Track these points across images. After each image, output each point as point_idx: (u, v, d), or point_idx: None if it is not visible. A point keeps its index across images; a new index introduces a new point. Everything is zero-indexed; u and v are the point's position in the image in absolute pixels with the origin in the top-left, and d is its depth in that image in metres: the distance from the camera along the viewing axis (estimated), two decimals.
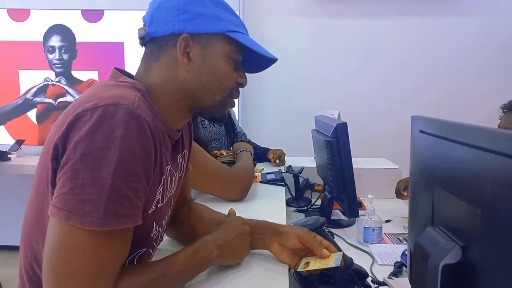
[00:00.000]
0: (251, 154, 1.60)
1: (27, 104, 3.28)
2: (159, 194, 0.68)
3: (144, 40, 0.72)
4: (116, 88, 0.62)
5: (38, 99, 3.29)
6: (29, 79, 3.26)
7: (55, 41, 3.22)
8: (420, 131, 0.62)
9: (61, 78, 3.26)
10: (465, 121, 0.50)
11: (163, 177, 0.68)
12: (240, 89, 0.78)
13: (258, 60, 0.78)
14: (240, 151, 1.59)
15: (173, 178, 0.74)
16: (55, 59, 3.24)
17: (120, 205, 0.55)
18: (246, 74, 0.79)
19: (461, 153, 0.47)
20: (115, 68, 0.72)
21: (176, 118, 0.74)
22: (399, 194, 1.60)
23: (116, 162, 0.54)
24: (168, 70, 0.70)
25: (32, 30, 3.19)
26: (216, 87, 0.72)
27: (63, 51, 3.22)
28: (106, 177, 0.53)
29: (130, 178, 0.56)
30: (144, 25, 0.72)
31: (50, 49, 3.23)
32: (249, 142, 2.14)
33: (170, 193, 0.74)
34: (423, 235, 0.51)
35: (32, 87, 3.27)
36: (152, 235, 0.72)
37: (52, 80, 3.26)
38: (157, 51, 0.71)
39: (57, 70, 3.25)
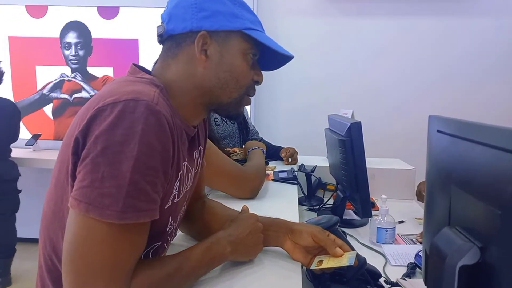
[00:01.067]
0: (263, 152, 1.60)
1: (44, 99, 3.34)
2: (176, 189, 0.69)
3: (162, 37, 0.73)
4: (136, 84, 0.63)
5: (54, 94, 3.34)
6: (46, 75, 3.32)
7: (71, 37, 3.27)
8: (437, 131, 0.61)
9: (76, 74, 3.31)
10: (480, 121, 0.49)
11: (180, 173, 0.69)
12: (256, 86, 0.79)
13: (274, 58, 0.78)
14: (252, 149, 1.59)
15: (189, 174, 0.75)
16: (71, 55, 3.29)
17: (138, 199, 0.56)
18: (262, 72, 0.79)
19: (480, 153, 0.46)
20: (133, 64, 0.73)
21: (193, 114, 0.74)
22: (419, 196, 1.58)
23: (135, 156, 0.55)
24: (186, 67, 0.71)
25: (49, 27, 3.25)
26: (233, 84, 0.73)
27: (79, 47, 3.27)
28: (125, 171, 0.54)
29: (149, 172, 0.57)
30: (162, 22, 0.73)
31: (66, 45, 3.28)
32: (261, 140, 2.14)
33: (186, 188, 0.75)
34: (440, 235, 0.51)
35: (49, 83, 3.33)
36: (167, 229, 0.73)
37: (68, 76, 3.32)
38: (175, 48, 0.71)
39: (73, 66, 3.30)
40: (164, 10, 0.74)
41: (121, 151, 0.55)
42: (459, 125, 0.54)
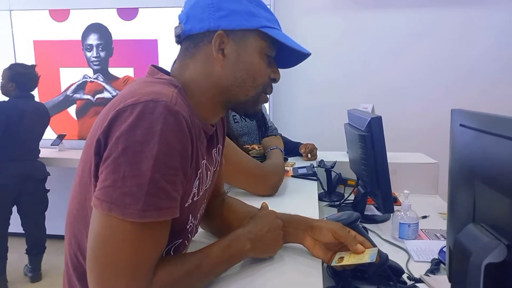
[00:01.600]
0: (282, 151, 1.60)
1: (68, 101, 3.44)
2: (195, 187, 0.70)
3: (180, 38, 0.73)
4: (155, 85, 0.64)
5: (77, 95, 3.43)
6: (69, 77, 3.41)
7: (92, 39, 3.34)
8: (460, 125, 0.60)
9: (98, 75, 3.38)
10: (505, 115, 0.48)
11: (199, 171, 0.70)
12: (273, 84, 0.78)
13: (291, 56, 0.78)
14: (271, 149, 1.59)
15: (208, 172, 0.76)
16: (93, 57, 3.37)
17: (159, 198, 0.57)
18: (279, 69, 0.79)
19: (506, 147, 0.45)
20: (152, 65, 0.75)
21: (211, 113, 0.75)
22: None
23: (155, 156, 0.56)
24: (204, 67, 0.72)
25: (71, 30, 3.34)
26: (250, 82, 0.73)
27: (100, 49, 3.34)
28: (146, 170, 0.55)
29: (168, 171, 0.58)
30: (180, 23, 0.73)
31: (88, 47, 3.36)
32: (279, 135, 2.13)
33: (206, 186, 0.76)
34: (464, 232, 0.49)
35: (72, 84, 3.43)
36: (188, 227, 0.74)
37: (90, 77, 3.40)
38: (192, 48, 0.72)
39: (95, 67, 3.38)
40: (182, 11, 0.74)
41: (141, 151, 0.56)
42: (483, 119, 0.52)
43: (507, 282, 0.43)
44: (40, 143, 2.82)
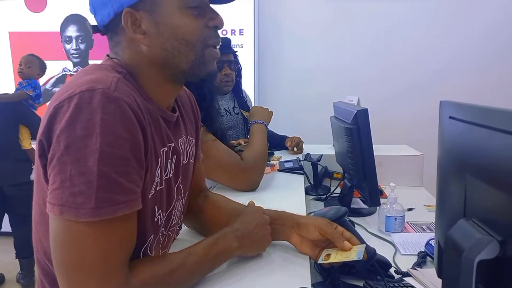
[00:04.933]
0: (266, 127, 1.50)
1: (47, 95, 3.33)
2: (158, 177, 0.66)
3: (101, 31, 0.69)
4: (93, 72, 0.60)
5: (57, 89, 3.32)
6: (48, 70, 3.30)
7: (71, 31, 3.24)
8: (450, 117, 0.58)
9: (78, 68, 3.29)
10: (494, 105, 0.46)
11: (159, 159, 0.66)
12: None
13: None
14: (255, 123, 1.49)
15: (169, 160, 0.71)
16: (72, 49, 3.27)
17: (112, 192, 0.54)
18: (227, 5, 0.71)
19: (498, 140, 0.43)
20: (107, 55, 0.70)
21: (163, 93, 0.70)
22: None
23: (100, 148, 0.52)
24: (131, 51, 0.66)
25: (49, 21, 3.22)
26: (184, 47, 0.65)
27: (79, 41, 3.25)
28: (92, 165, 0.52)
29: (118, 162, 0.54)
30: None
31: (67, 39, 3.26)
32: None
33: (167, 175, 0.71)
34: (455, 228, 0.48)
35: (51, 78, 3.32)
36: (155, 219, 0.69)
37: (70, 70, 3.30)
38: (114, 37, 0.67)
39: (75, 60, 3.28)
40: (89, 3, 0.68)
41: (84, 146, 0.52)
42: (474, 111, 0.51)
43: (500, 279, 0.42)
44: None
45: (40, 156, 0.56)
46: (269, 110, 1.64)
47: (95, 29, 0.69)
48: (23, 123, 2.66)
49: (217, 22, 0.68)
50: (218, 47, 0.71)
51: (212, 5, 0.69)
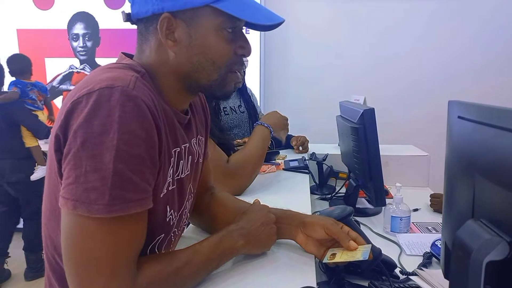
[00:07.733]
0: (270, 130, 1.42)
1: (54, 92, 3.36)
2: (170, 176, 0.66)
3: (132, 21, 0.68)
4: (113, 71, 0.60)
5: (64, 86, 3.35)
6: (55, 67, 3.32)
7: (78, 28, 3.25)
8: (458, 117, 0.58)
9: (85, 65, 3.30)
10: (501, 104, 0.46)
11: (171, 159, 0.66)
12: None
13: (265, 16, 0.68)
14: (259, 124, 1.42)
15: (181, 161, 0.71)
16: (79, 47, 3.28)
17: (126, 190, 0.54)
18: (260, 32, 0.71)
19: (507, 140, 0.43)
20: (122, 52, 0.70)
21: (178, 99, 0.70)
22: (434, 205, 1.53)
23: (116, 146, 0.52)
24: (158, 53, 0.66)
25: (56, 18, 3.24)
26: (209, 66, 0.66)
27: (86, 38, 3.26)
28: (108, 162, 0.52)
29: (133, 161, 0.54)
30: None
31: (74, 36, 3.27)
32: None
33: (178, 176, 0.71)
34: (464, 229, 0.47)
35: (58, 75, 3.34)
36: (167, 219, 0.70)
37: (77, 68, 3.32)
38: (145, 33, 0.67)
39: (81, 57, 3.30)
40: None
41: (101, 142, 0.52)
42: (483, 111, 0.50)
43: (509, 281, 0.42)
44: None
45: (56, 150, 0.56)
46: (285, 117, 1.57)
47: (127, 17, 0.68)
48: (22, 125, 2.71)
49: (246, 51, 0.69)
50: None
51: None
